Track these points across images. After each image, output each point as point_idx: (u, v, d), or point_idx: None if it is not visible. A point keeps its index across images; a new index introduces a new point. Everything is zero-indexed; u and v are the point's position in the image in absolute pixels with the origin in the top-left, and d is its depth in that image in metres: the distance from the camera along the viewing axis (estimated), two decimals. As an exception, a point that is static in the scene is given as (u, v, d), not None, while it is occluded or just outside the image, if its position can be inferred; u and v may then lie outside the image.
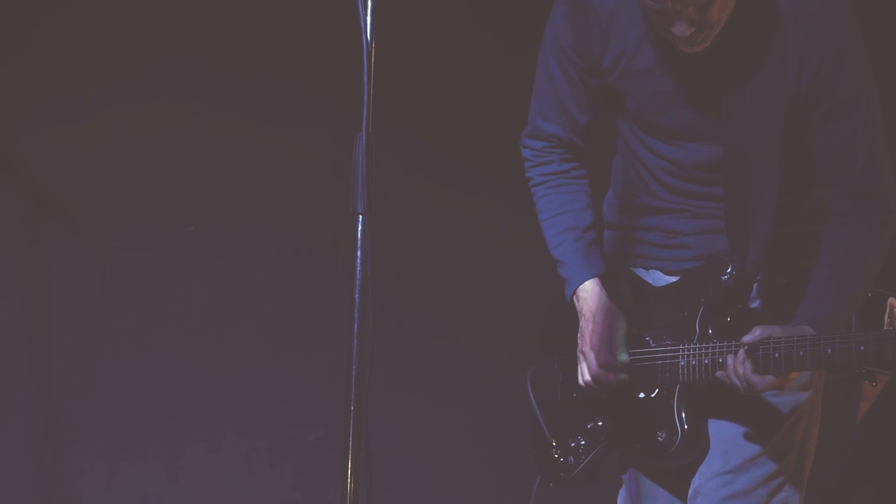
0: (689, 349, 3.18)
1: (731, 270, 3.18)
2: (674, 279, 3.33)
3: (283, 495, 5.06)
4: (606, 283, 3.33)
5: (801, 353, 2.99)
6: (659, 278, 3.36)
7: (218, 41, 5.02)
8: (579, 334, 3.32)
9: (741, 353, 3.06)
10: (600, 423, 3.33)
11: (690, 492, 3.26)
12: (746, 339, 3.07)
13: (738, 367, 3.06)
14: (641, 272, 3.39)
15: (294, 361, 5.10)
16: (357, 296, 2.95)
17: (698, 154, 3.24)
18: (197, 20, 4.98)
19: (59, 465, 4.80)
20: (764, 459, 3.21)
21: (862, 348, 2.93)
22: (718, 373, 3.11)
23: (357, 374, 2.93)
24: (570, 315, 3.38)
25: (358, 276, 2.95)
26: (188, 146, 4.99)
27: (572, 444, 3.37)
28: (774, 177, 3.17)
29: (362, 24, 2.99)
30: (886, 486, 4.46)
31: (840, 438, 4.58)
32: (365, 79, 2.98)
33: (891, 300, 4.66)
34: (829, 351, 2.96)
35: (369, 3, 3.00)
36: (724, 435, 3.22)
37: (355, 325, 2.94)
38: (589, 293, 3.31)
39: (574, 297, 3.34)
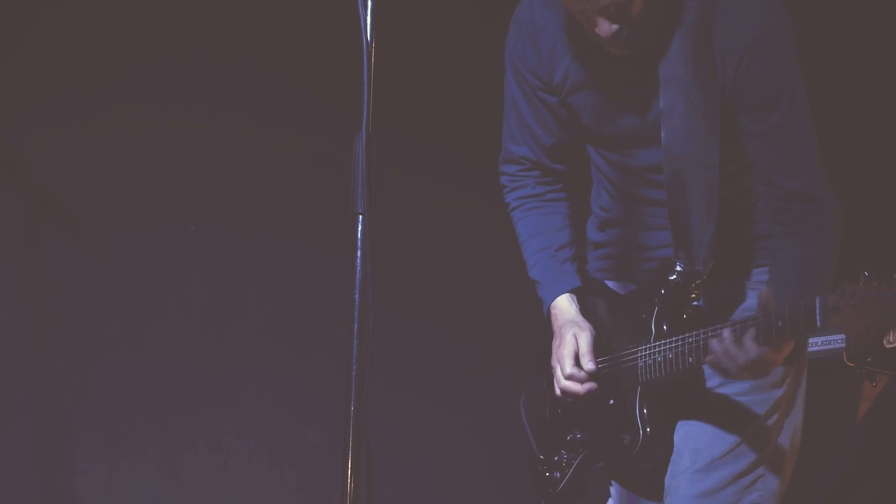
0: (646, 349, 3.18)
1: (679, 268, 3.17)
2: None
3: (283, 495, 5.06)
4: (581, 298, 3.36)
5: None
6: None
7: (217, 41, 5.02)
8: (552, 349, 3.34)
9: (735, 327, 2.96)
10: (578, 435, 3.35)
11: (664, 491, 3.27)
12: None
13: (740, 340, 2.95)
14: (614, 285, 3.40)
15: (294, 361, 5.10)
16: (357, 296, 2.95)
17: (648, 158, 3.22)
18: (196, 21, 4.98)
19: (59, 464, 4.80)
20: (732, 458, 3.20)
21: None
22: (710, 353, 3.00)
23: (357, 374, 2.93)
24: None
25: (358, 276, 2.95)
26: (188, 146, 4.99)
27: (556, 459, 3.39)
28: (714, 177, 3.13)
29: (362, 24, 3.00)
30: (886, 486, 4.46)
31: (840, 438, 4.58)
32: (365, 79, 2.98)
33: None
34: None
35: (369, 3, 3.01)
36: (693, 434, 3.21)
37: (355, 325, 2.94)
38: (559, 309, 3.34)
39: (548, 315, 3.37)
